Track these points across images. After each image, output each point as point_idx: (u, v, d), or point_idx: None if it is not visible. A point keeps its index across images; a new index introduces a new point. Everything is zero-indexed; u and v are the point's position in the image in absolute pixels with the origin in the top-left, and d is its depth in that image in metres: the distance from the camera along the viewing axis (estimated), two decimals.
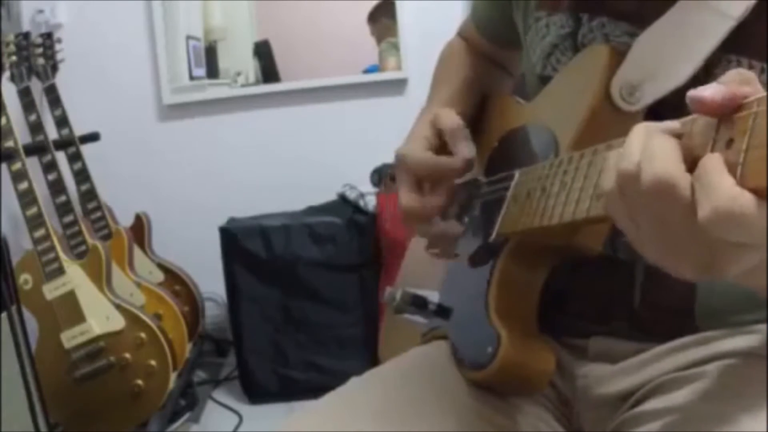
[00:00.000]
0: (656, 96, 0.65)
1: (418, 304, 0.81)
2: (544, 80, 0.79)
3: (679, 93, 0.65)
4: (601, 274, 0.72)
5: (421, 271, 0.90)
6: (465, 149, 0.76)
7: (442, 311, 0.79)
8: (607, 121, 0.67)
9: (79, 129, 2.37)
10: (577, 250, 0.68)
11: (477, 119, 0.93)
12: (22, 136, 2.02)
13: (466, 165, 0.76)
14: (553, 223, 0.60)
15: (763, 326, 0.69)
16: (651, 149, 0.44)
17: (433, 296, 0.82)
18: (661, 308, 0.71)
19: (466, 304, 0.77)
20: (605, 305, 0.74)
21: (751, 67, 0.63)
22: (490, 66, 0.97)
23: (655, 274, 0.70)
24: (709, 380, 0.66)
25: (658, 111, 0.65)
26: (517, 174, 0.72)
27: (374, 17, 2.79)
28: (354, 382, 0.79)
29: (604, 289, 0.73)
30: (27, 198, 1.89)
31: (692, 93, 0.43)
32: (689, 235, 0.43)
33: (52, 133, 2.26)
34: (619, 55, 0.68)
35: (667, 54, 0.65)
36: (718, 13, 0.61)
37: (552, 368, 0.68)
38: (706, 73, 0.64)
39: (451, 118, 0.78)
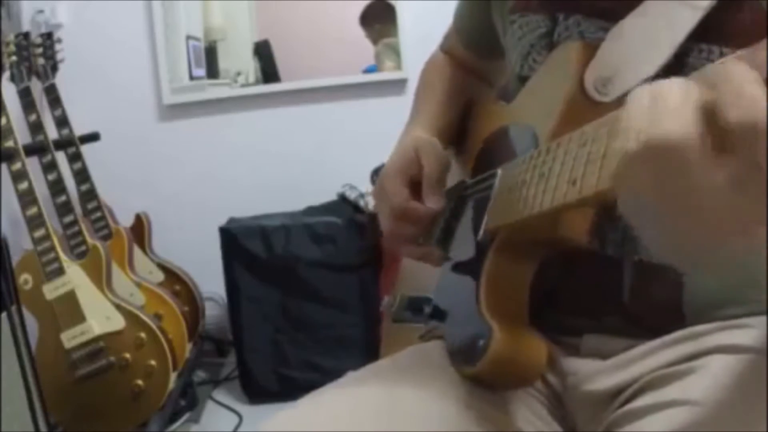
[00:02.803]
0: (628, 87, 0.65)
1: (414, 308, 0.81)
2: (523, 80, 0.81)
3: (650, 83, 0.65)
4: (591, 271, 0.72)
5: (418, 274, 0.91)
6: (434, 202, 0.81)
7: (438, 313, 0.80)
8: (583, 113, 0.67)
9: (79, 129, 2.37)
10: (562, 242, 0.68)
11: (461, 126, 0.95)
12: (22, 136, 2.02)
13: (432, 215, 0.81)
14: (534, 212, 0.60)
15: (751, 320, 0.69)
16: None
17: (425, 297, 0.82)
18: (650, 303, 0.72)
19: (459, 302, 0.77)
20: (596, 302, 0.74)
21: (722, 55, 0.64)
22: (471, 79, 0.99)
23: (643, 268, 0.71)
24: (699, 376, 0.66)
25: None
26: (500, 171, 0.73)
27: (366, 21, 2.80)
28: (350, 376, 0.79)
29: (594, 286, 0.74)
30: (27, 198, 1.90)
31: None
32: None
33: (52, 133, 2.26)
34: (591, 50, 0.70)
35: (636, 46, 0.66)
36: (686, 4, 0.63)
37: (544, 358, 0.68)
38: (677, 63, 0.65)
39: (432, 160, 0.82)
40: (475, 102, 0.96)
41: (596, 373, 0.74)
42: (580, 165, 0.54)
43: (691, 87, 0.42)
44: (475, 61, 0.99)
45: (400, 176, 0.83)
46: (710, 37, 0.64)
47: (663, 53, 0.64)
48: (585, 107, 0.68)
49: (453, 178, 0.92)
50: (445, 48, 1.02)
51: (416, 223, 0.82)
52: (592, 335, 0.75)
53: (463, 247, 0.79)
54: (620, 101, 0.66)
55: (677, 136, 0.40)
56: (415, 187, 0.83)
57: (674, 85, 0.42)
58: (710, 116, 0.40)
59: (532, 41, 0.79)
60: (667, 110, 0.41)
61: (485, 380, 0.71)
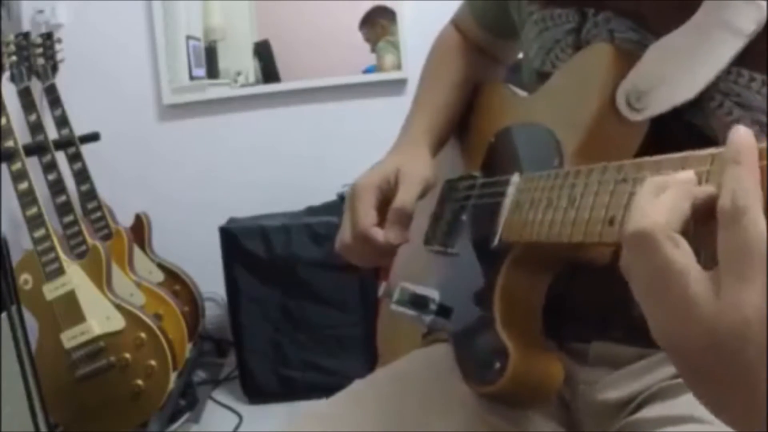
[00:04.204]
0: (664, 107, 0.64)
1: (418, 303, 0.79)
2: (543, 76, 0.78)
3: (685, 106, 0.63)
4: (601, 282, 0.69)
5: (414, 264, 0.89)
6: (395, 236, 0.77)
7: (443, 311, 0.78)
8: (611, 129, 0.66)
9: (79, 129, 2.37)
10: (581, 261, 0.66)
11: (468, 109, 0.92)
12: (22, 136, 2.02)
13: (390, 248, 0.78)
14: (562, 240, 0.59)
15: None
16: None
17: (429, 292, 0.80)
18: None
19: (469, 312, 0.75)
20: (604, 314, 0.73)
21: (751, 80, 0.62)
22: (481, 59, 0.96)
23: None
24: None
25: (663, 122, 0.64)
26: (518, 178, 0.71)
27: (369, 19, 2.79)
28: (358, 385, 0.78)
29: (603, 298, 0.72)
30: (27, 198, 1.90)
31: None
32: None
33: (52, 133, 2.26)
34: (623, 57, 0.67)
35: (678, 65, 0.64)
36: (734, 30, 0.61)
37: (560, 380, 0.67)
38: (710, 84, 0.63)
39: (407, 193, 0.79)
40: (483, 83, 0.93)
41: (609, 382, 0.73)
42: (619, 205, 0.52)
43: (691, 186, 0.43)
44: (486, 39, 0.95)
45: (373, 194, 0.80)
46: (741, 61, 0.62)
47: (704, 78, 0.62)
48: (613, 123, 0.65)
49: (454, 166, 0.89)
50: (457, 21, 0.99)
51: (374, 247, 0.79)
52: (599, 343, 0.74)
53: (470, 248, 0.78)
54: (646, 123, 0.64)
55: (653, 229, 0.42)
56: (385, 207, 0.80)
57: (679, 181, 0.44)
58: (703, 211, 0.42)
59: (557, 36, 0.76)
60: (659, 204, 0.43)
61: (500, 399, 0.70)
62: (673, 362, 0.44)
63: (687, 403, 0.66)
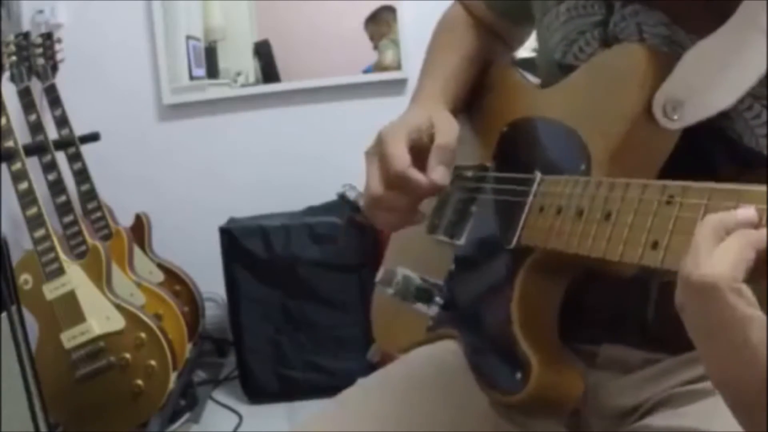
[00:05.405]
0: (700, 116, 0.62)
1: (422, 295, 0.78)
2: (565, 68, 0.75)
3: (719, 115, 0.62)
4: (616, 286, 0.68)
5: (415, 250, 0.87)
6: (439, 175, 0.71)
7: (449, 305, 0.77)
8: (646, 137, 0.64)
9: (79, 129, 2.37)
10: (606, 271, 0.63)
11: (477, 91, 0.88)
12: (22, 136, 2.02)
13: (433, 190, 0.72)
14: (596, 255, 0.57)
15: None
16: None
17: (433, 284, 0.79)
18: (674, 324, 0.70)
19: (478, 310, 0.74)
20: (618, 316, 0.72)
21: None
22: (491, 38, 0.91)
23: (669, 290, 0.69)
24: (718, 400, 0.65)
25: (695, 130, 0.63)
26: (540, 179, 0.68)
27: (376, 17, 2.79)
28: (365, 383, 0.78)
29: (617, 301, 0.71)
30: (27, 198, 1.89)
31: None
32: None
33: (52, 133, 2.26)
34: (659, 60, 0.64)
35: (718, 75, 0.61)
36: None
37: (581, 393, 0.66)
38: None
39: (447, 134, 0.73)
40: (492, 64, 0.89)
41: (619, 388, 0.72)
42: (664, 229, 0.50)
43: (755, 233, 0.43)
44: (497, 23, 0.90)
45: (406, 140, 0.72)
46: None
47: (742, 87, 0.60)
48: (648, 130, 0.63)
49: (461, 150, 0.87)
50: (464, 1, 0.93)
51: (411, 194, 0.72)
52: (610, 345, 0.73)
53: (479, 242, 0.76)
54: (679, 131, 0.63)
55: (718, 280, 0.41)
56: (418, 157, 0.72)
57: (741, 223, 0.43)
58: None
59: (581, 27, 0.72)
60: (723, 253, 0.42)
61: (516, 408, 0.69)
62: (725, 399, 0.44)
63: (694, 413, 0.65)
